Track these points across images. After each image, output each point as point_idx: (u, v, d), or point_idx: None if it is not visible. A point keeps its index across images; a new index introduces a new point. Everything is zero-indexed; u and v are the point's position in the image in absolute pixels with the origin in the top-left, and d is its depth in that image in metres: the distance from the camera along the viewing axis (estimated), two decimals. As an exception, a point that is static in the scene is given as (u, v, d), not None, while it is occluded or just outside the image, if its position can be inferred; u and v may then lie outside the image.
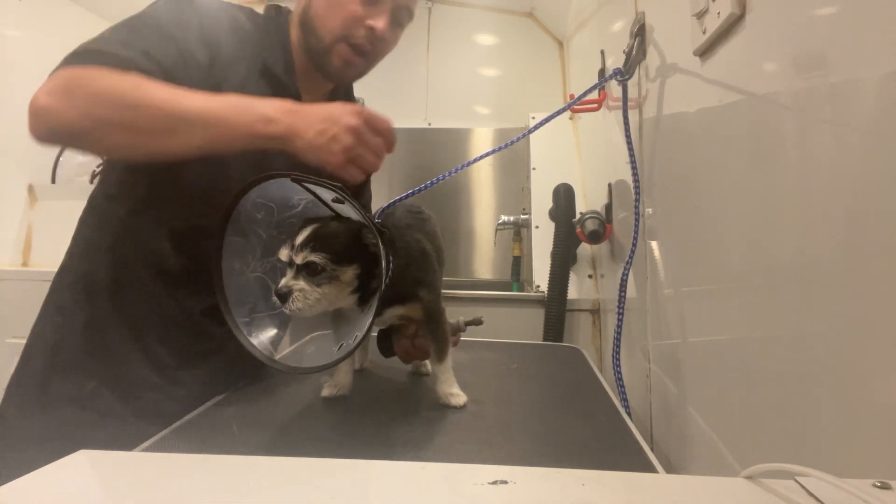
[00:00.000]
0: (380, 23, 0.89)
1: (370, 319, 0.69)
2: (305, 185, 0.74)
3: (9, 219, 1.95)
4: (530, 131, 1.00)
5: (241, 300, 0.77)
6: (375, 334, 0.97)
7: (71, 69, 0.73)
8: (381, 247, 0.69)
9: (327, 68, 0.92)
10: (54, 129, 0.72)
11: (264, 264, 0.81)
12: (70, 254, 0.89)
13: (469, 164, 0.95)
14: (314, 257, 0.71)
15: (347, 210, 0.79)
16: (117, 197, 0.88)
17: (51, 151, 2.07)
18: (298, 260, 0.72)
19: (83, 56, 0.74)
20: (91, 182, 2.10)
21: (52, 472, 0.44)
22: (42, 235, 1.98)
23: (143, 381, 0.85)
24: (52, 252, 1.91)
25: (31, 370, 0.84)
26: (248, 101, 0.73)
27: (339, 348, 0.75)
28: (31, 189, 2.01)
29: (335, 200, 0.76)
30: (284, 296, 0.71)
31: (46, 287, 0.86)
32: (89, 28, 2.18)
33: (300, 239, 0.72)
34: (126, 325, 0.85)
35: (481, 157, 0.98)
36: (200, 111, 0.71)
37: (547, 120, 1.03)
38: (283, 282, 0.72)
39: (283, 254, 0.74)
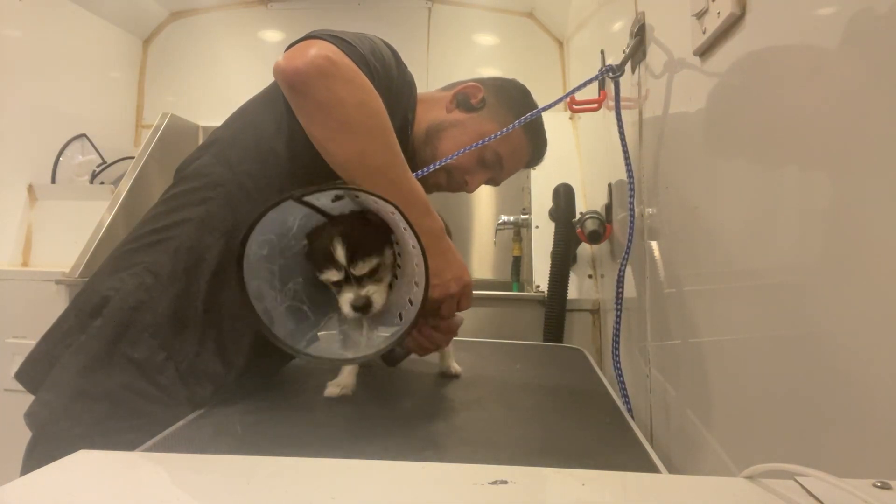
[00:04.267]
0: (472, 184, 1.07)
1: (425, 290, 0.70)
2: (305, 200, 0.74)
3: (9, 219, 1.94)
4: (522, 121, 1.00)
5: (291, 334, 0.77)
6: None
7: (326, 44, 0.77)
8: (403, 215, 0.70)
9: (414, 162, 0.96)
10: (302, 94, 0.76)
11: (287, 292, 0.81)
12: (175, 222, 0.87)
13: (456, 155, 0.97)
14: (372, 262, 0.76)
15: (343, 206, 0.79)
16: (249, 188, 0.86)
17: (51, 151, 2.07)
18: (358, 272, 0.75)
19: (329, 38, 0.79)
20: (91, 182, 2.10)
21: (52, 472, 0.44)
22: (42, 235, 1.98)
23: (209, 370, 0.84)
24: (52, 252, 1.93)
25: (104, 320, 0.81)
26: (426, 202, 0.81)
27: (398, 321, 0.78)
28: (31, 189, 2.01)
29: (336, 199, 0.77)
30: (365, 306, 0.76)
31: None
32: (89, 28, 2.20)
33: (341, 254, 0.74)
34: (212, 309, 0.84)
35: (469, 149, 0.99)
36: (407, 177, 0.80)
37: (538, 112, 1.03)
38: (351, 296, 0.76)
39: (334, 275, 0.76)
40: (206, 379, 0.84)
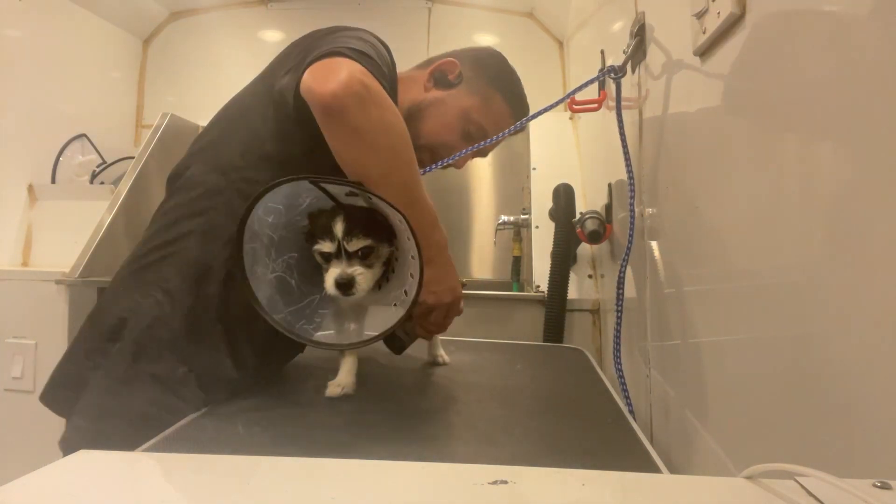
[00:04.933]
0: (461, 160, 1.06)
1: (417, 286, 0.71)
2: (321, 185, 0.76)
3: (9, 219, 1.94)
4: (522, 123, 1.00)
5: (271, 301, 0.78)
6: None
7: (354, 65, 0.77)
8: (407, 221, 0.70)
9: None
10: (337, 118, 0.76)
11: (280, 263, 0.82)
12: (178, 235, 0.87)
13: (457, 156, 0.97)
14: (367, 241, 0.76)
15: (357, 202, 0.80)
16: (248, 194, 0.86)
17: (51, 151, 2.07)
18: (351, 248, 0.75)
19: (353, 54, 0.79)
20: (91, 182, 2.10)
21: (52, 472, 0.44)
22: (42, 235, 1.98)
23: (225, 376, 0.85)
24: (52, 252, 1.93)
25: (123, 342, 0.83)
26: (435, 217, 0.85)
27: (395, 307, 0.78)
28: (31, 189, 2.01)
29: (349, 195, 0.78)
30: (348, 284, 0.75)
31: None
32: (89, 28, 2.20)
33: (340, 229, 0.75)
34: (224, 319, 0.85)
35: (471, 149, 0.99)
36: (423, 195, 0.83)
37: (539, 113, 1.03)
38: (337, 272, 0.76)
39: (327, 246, 0.76)
40: (223, 385, 0.85)
